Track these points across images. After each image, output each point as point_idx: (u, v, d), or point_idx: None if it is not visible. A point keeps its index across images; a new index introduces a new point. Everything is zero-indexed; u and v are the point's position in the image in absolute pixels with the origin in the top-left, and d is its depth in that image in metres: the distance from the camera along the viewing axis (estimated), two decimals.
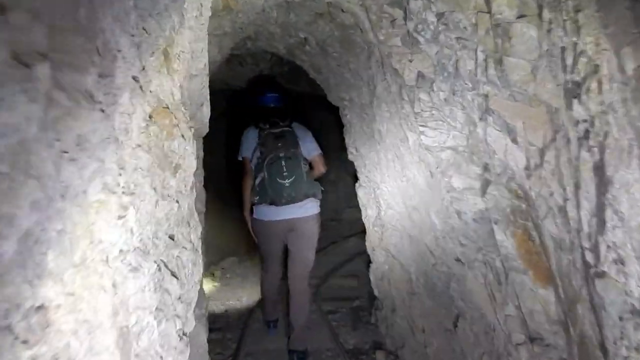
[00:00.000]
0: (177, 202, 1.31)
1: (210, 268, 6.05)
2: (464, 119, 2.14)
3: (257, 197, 3.20)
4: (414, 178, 2.79)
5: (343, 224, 8.40)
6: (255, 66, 4.31)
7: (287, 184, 3.08)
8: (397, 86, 2.52)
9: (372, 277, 3.93)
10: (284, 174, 3.08)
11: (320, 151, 3.44)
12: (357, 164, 3.77)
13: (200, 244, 1.67)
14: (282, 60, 4.64)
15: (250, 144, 3.30)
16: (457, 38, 1.92)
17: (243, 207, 3.49)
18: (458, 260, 2.64)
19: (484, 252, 2.43)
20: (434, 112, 2.23)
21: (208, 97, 2.12)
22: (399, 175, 3.02)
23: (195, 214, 1.58)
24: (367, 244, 4.04)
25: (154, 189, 1.16)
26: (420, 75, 2.21)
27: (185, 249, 1.37)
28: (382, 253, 3.64)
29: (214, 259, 6.28)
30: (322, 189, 3.44)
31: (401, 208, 3.15)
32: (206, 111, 2.08)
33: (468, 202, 2.36)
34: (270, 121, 3.27)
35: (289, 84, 6.03)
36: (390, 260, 3.52)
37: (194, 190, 1.59)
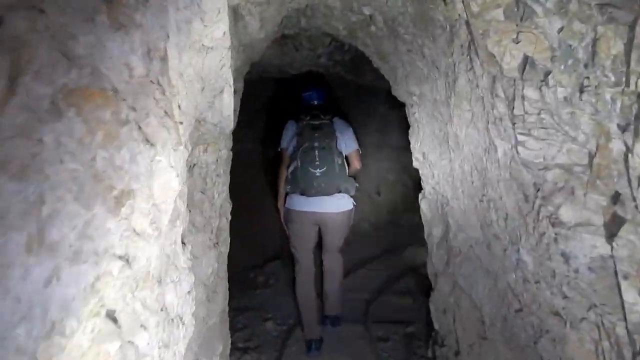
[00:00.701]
0: (122, 257, 0.75)
1: (252, 272, 5.57)
2: (591, 128, 1.47)
3: (289, 186, 3.24)
4: (500, 200, 2.12)
5: (400, 230, 7.70)
6: (312, 51, 3.74)
7: (318, 174, 3.08)
8: (488, 78, 1.86)
9: (432, 307, 3.26)
10: (316, 163, 3.09)
11: (357, 147, 3.41)
12: (423, 173, 3.11)
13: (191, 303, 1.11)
14: (343, 46, 4.03)
15: (289, 135, 3.34)
16: (601, 6, 1.25)
17: (277, 197, 3.58)
18: (556, 314, 1.95)
19: (599, 312, 1.74)
20: (544, 115, 1.56)
21: (231, 80, 1.56)
22: (478, 194, 2.36)
23: (182, 257, 1.03)
24: (428, 267, 3.38)
25: None
26: (529, 63, 1.54)
27: (145, 329, 0.81)
28: (447, 282, 2.97)
29: (257, 262, 5.79)
30: (357, 185, 3.39)
31: (477, 233, 2.49)
32: (228, 100, 1.52)
33: (583, 243, 1.67)
34: (311, 114, 3.32)
35: (349, 74, 5.41)
36: (457, 293, 2.86)
37: (180, 222, 1.03)
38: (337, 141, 3.26)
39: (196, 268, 1.55)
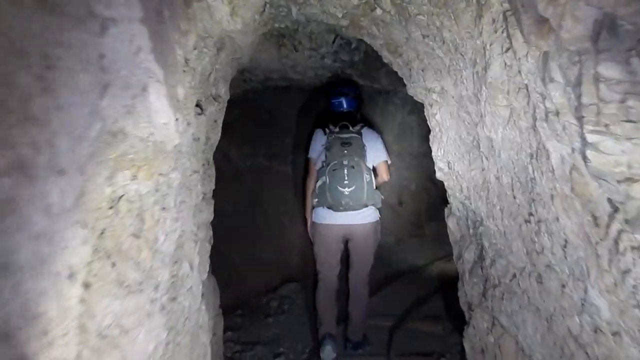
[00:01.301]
0: None
1: (265, 297, 5.06)
2: None
3: (317, 200, 3.18)
4: (555, 222, 1.58)
5: (425, 242, 7.12)
6: (315, 51, 3.24)
7: (346, 193, 3.01)
8: (537, 58, 1.33)
9: (467, 346, 2.68)
10: (345, 182, 3.01)
11: (386, 158, 3.30)
12: (449, 186, 2.57)
13: None
14: (350, 44, 3.52)
15: (317, 145, 3.28)
16: None
17: (304, 209, 3.54)
18: None
19: None
20: (632, 103, 1.03)
21: (161, 74, 1.06)
22: (523, 212, 1.81)
23: None
24: (460, 294, 2.82)
25: None
26: (607, 25, 1.01)
27: None
28: (484, 318, 2.41)
29: (271, 284, 5.29)
30: (382, 197, 3.28)
31: (522, 262, 1.93)
32: (158, 103, 1.03)
33: None
34: (339, 125, 3.19)
35: (361, 78, 4.89)
36: (498, 332, 2.29)
37: None
38: (366, 155, 3.14)
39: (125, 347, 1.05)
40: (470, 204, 2.31)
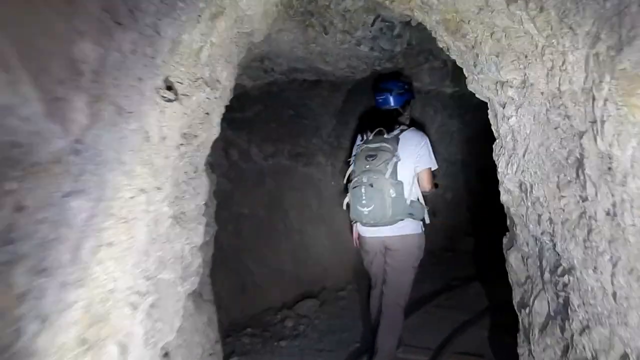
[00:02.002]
0: None
1: (280, 314, 4.47)
2: None
3: (350, 214, 3.01)
4: None
5: (461, 258, 6.40)
6: (348, 35, 2.61)
7: (365, 212, 2.79)
8: None
9: None
10: (363, 201, 2.79)
11: (429, 165, 2.88)
12: (518, 213, 1.90)
13: None
14: (392, 29, 2.88)
15: (352, 153, 3.06)
16: None
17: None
18: None
19: None
20: None
21: None
22: None
23: None
24: (519, 352, 2.16)
25: None
26: None
27: None
28: None
29: (288, 299, 4.70)
30: (427, 208, 2.97)
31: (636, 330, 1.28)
32: None
33: None
34: (375, 130, 2.94)
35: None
36: None
37: None
38: (395, 167, 2.78)
39: None
40: (553, 242, 1.65)
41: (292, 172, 5.19)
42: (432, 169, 2.90)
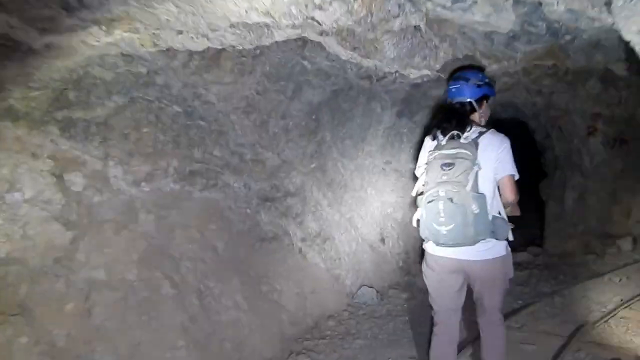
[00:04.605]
0: None
1: None
2: None
3: (420, 230, 2.49)
4: None
5: (415, 294, 4.74)
6: None
7: (444, 232, 2.30)
8: None
9: None
10: (441, 219, 2.29)
11: (512, 172, 2.40)
12: None
13: None
14: None
15: (422, 159, 2.53)
16: None
17: None
18: None
19: None
20: None
21: None
22: None
23: None
24: None
25: None
26: None
27: None
28: None
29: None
30: (512, 226, 2.39)
31: None
32: None
33: None
34: (447, 130, 2.42)
35: (344, 46, 2.48)
36: None
37: None
38: (476, 176, 2.29)
39: None
40: None
41: (184, 201, 3.24)
42: (516, 177, 2.46)
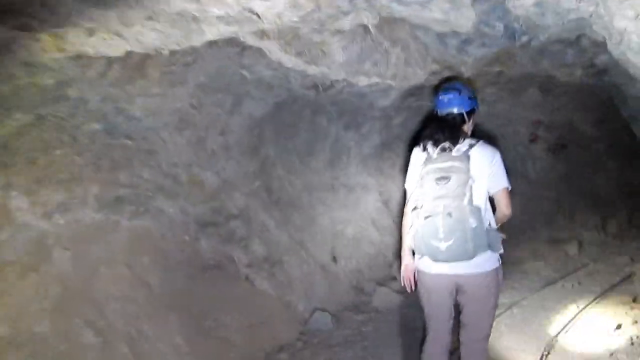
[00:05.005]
0: None
1: None
2: None
3: (414, 247, 2.43)
4: None
5: (372, 318, 4.47)
6: None
7: (442, 249, 2.25)
8: None
9: None
10: (440, 235, 2.23)
11: (506, 185, 2.38)
12: None
13: None
14: None
15: (412, 173, 2.50)
16: None
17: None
18: None
19: None
20: None
21: None
22: None
23: None
24: None
25: None
26: None
27: None
28: None
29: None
30: (504, 236, 2.35)
31: None
32: None
33: None
34: (439, 142, 2.36)
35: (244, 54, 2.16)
36: None
37: None
38: (471, 190, 2.25)
39: None
40: None
41: (109, 232, 2.77)
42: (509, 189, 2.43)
